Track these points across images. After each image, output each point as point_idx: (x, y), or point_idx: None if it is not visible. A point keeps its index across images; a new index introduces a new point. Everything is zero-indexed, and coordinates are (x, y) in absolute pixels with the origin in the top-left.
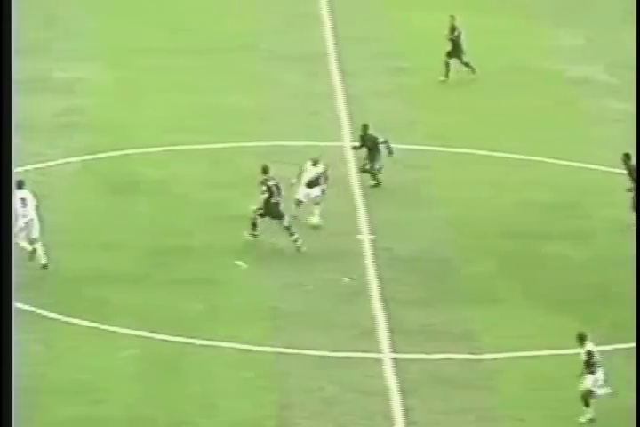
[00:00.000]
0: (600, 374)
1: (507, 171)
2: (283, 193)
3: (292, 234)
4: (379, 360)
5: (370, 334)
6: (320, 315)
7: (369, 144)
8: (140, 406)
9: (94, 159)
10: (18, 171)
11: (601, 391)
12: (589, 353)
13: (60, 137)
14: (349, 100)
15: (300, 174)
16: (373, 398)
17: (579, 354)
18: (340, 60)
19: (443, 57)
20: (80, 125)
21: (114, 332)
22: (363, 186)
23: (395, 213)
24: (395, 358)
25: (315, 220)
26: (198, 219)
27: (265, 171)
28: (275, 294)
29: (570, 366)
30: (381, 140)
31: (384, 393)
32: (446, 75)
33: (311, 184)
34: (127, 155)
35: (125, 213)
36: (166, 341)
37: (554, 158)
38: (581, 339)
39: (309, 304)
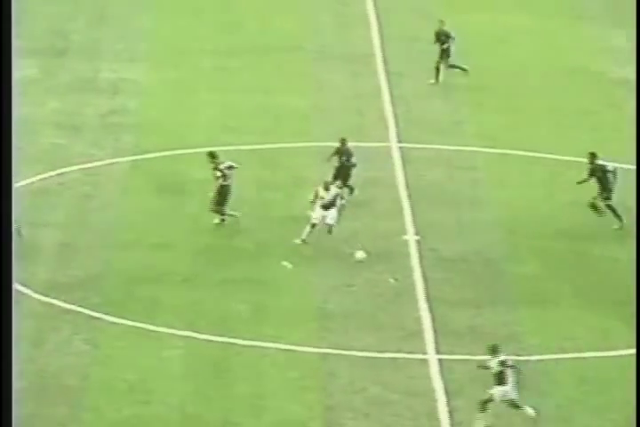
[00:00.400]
0: (512, 384)
1: (555, 172)
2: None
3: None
4: (424, 361)
5: (415, 334)
6: (366, 316)
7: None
8: (187, 407)
9: (142, 159)
10: (64, 171)
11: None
12: (502, 363)
13: (107, 137)
14: (395, 101)
15: (315, 199)
16: (418, 398)
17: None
18: (386, 61)
19: (487, 58)
20: (128, 126)
21: (162, 332)
22: (409, 187)
23: (441, 213)
24: (440, 359)
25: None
26: (247, 219)
27: (213, 156)
28: (321, 295)
29: (616, 368)
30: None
31: (429, 394)
32: (437, 78)
33: (327, 207)
34: (175, 155)
35: (174, 214)
36: (214, 341)
37: (602, 160)
38: (493, 350)
39: (355, 305)
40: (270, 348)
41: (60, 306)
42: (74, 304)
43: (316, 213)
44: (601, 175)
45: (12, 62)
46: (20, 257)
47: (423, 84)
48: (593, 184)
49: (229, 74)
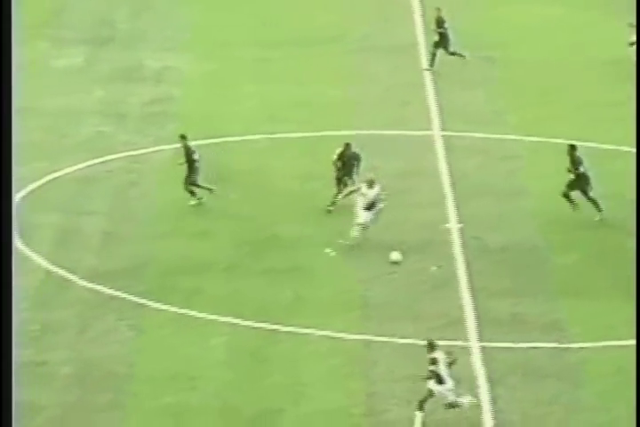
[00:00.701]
0: (450, 384)
1: (597, 162)
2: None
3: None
4: (466, 349)
5: (458, 323)
6: (408, 304)
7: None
8: (230, 394)
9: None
10: (108, 159)
11: (463, 400)
12: (433, 361)
13: (151, 126)
14: (439, 91)
15: (357, 196)
16: (460, 386)
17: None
18: (429, 51)
19: (525, 49)
20: (171, 115)
21: (204, 319)
22: (451, 175)
23: (483, 202)
24: (482, 347)
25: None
26: (290, 208)
27: (183, 137)
28: (363, 283)
29: None
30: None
31: (471, 382)
32: (431, 64)
33: (369, 208)
34: (217, 144)
35: (217, 203)
36: (255, 328)
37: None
38: (431, 347)
39: (397, 293)
40: (312, 335)
41: (105, 293)
42: (119, 291)
43: (362, 215)
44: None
45: (11, 65)
46: (65, 244)
47: (465, 75)
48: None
49: (271, 65)
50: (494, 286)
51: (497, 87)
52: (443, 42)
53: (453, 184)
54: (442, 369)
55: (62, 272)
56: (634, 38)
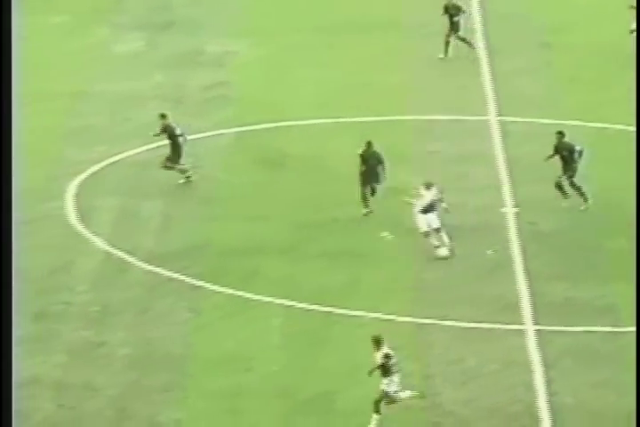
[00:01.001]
0: (396, 376)
1: None
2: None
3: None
4: (521, 332)
5: (513, 306)
6: (463, 287)
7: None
8: (285, 376)
9: (243, 132)
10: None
11: (404, 395)
12: (387, 356)
13: (210, 110)
14: (496, 77)
15: (415, 198)
16: (515, 369)
17: None
18: (487, 36)
19: (583, 33)
20: (230, 99)
21: (260, 301)
22: (508, 160)
23: (539, 187)
24: (537, 331)
25: (443, 252)
26: (346, 192)
27: (163, 116)
28: (418, 266)
29: None
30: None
31: (526, 365)
32: (446, 52)
33: (427, 210)
34: (276, 128)
35: (274, 187)
36: (311, 311)
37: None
38: (377, 342)
39: (453, 276)
40: (367, 318)
41: (163, 275)
42: (176, 273)
43: (421, 222)
44: (566, 154)
45: (12, 66)
46: (125, 227)
47: (522, 60)
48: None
49: (330, 49)
50: (549, 270)
51: (554, 72)
52: (454, 29)
53: (509, 169)
54: (393, 364)
55: (121, 254)
56: (634, 26)
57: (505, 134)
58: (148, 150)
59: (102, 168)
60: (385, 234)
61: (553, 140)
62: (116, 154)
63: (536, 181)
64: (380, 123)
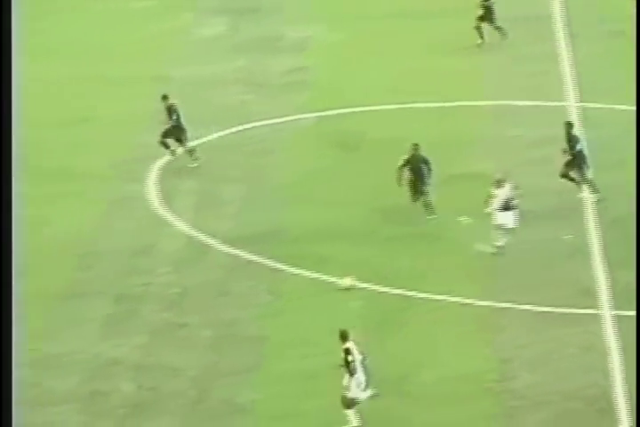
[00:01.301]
0: (360, 375)
1: None
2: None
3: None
4: (598, 317)
5: (589, 291)
6: (540, 271)
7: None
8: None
9: (322, 117)
10: (248, 127)
11: (363, 395)
12: (347, 351)
13: (289, 95)
14: (574, 62)
15: (489, 200)
16: (592, 353)
17: None
18: (565, 23)
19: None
20: (308, 84)
21: (338, 285)
22: (587, 146)
23: (617, 172)
24: (614, 316)
25: (489, 248)
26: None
27: (165, 97)
28: (495, 250)
29: None
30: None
31: (602, 350)
32: (481, 37)
33: (506, 208)
34: (352, 113)
35: (350, 171)
36: (387, 294)
37: None
38: (343, 336)
39: (529, 260)
40: (443, 302)
41: (242, 257)
42: (255, 256)
43: (500, 219)
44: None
45: (11, 64)
46: (205, 210)
47: (602, 47)
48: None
49: (404, 36)
50: (625, 255)
51: (631, 57)
52: (488, 15)
53: (589, 154)
54: (355, 360)
55: (202, 237)
56: None
57: (584, 120)
58: (228, 134)
59: (185, 152)
60: (463, 218)
61: (632, 127)
62: (197, 138)
63: (614, 168)
64: (457, 108)
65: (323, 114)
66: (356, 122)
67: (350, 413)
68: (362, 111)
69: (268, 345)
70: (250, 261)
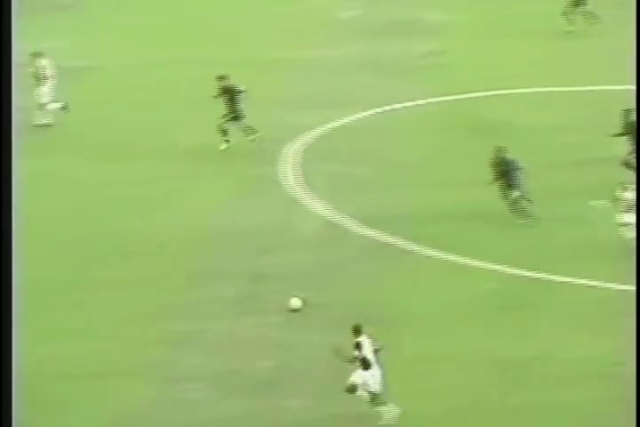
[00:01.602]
0: (376, 370)
1: None
2: None
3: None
4: None
5: None
6: None
7: None
8: (496, 342)
9: (455, 100)
10: (380, 111)
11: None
12: (357, 345)
13: (423, 78)
14: None
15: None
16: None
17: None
18: None
19: None
20: (443, 67)
21: (472, 266)
22: None
23: None
24: None
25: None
26: (558, 161)
27: (221, 77)
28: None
29: None
30: None
31: None
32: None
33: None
34: (487, 97)
35: (485, 154)
36: (522, 277)
37: None
38: (356, 331)
39: None
40: (584, 285)
41: (377, 239)
42: (390, 237)
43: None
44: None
45: (11, 58)
46: (342, 191)
47: None
48: None
49: (535, 18)
50: None
51: None
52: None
53: None
54: (367, 354)
55: (337, 218)
56: None
57: None
58: (361, 118)
59: (318, 134)
60: (595, 202)
61: None
62: (332, 120)
63: None
64: (591, 93)
65: (456, 97)
66: (492, 106)
67: (383, 408)
68: (499, 95)
69: (402, 326)
70: (385, 243)
